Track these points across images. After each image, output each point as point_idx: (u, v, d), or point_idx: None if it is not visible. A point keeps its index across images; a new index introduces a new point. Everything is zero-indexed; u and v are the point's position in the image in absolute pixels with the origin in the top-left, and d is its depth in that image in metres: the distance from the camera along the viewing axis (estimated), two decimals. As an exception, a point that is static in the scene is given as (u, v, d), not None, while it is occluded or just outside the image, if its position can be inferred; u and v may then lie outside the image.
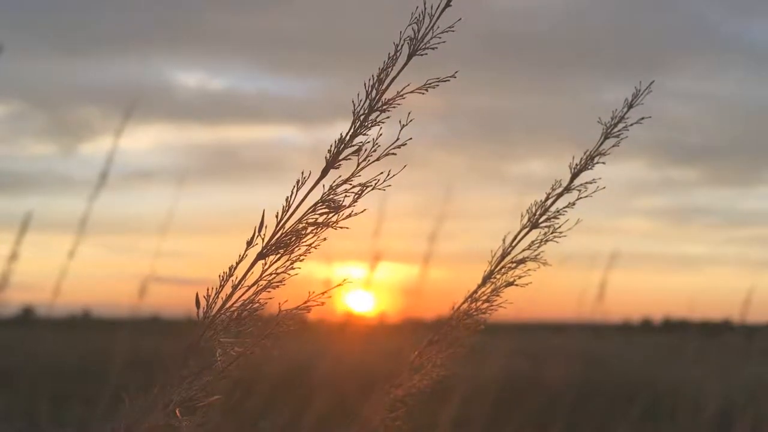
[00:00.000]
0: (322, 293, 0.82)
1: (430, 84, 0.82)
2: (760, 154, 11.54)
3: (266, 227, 0.82)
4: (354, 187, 0.83)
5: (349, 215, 0.83)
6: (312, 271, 0.84)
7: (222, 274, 0.82)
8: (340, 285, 0.83)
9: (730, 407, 5.03)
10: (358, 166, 0.82)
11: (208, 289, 0.82)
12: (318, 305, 0.82)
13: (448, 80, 0.81)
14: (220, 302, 0.83)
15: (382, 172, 0.82)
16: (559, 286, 5.68)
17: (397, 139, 0.81)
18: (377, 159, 0.82)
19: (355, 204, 0.83)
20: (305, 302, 0.83)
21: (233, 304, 0.83)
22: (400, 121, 0.81)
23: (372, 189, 0.83)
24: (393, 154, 0.81)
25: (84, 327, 13.12)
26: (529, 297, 4.91)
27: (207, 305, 0.83)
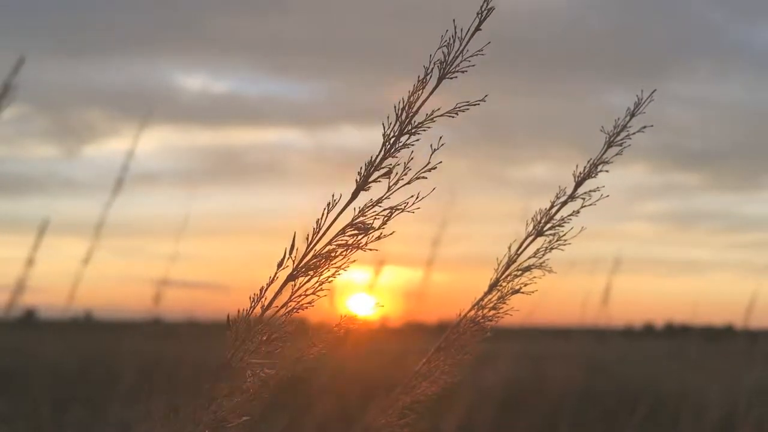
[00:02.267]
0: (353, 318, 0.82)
1: (459, 108, 0.82)
2: (764, 159, 11.53)
3: (297, 249, 0.82)
4: (384, 210, 0.83)
5: (379, 237, 0.84)
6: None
7: (252, 295, 0.82)
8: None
9: (732, 412, 5.03)
10: (388, 189, 0.82)
11: (238, 311, 0.83)
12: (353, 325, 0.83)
13: (478, 104, 0.82)
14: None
15: (412, 196, 0.82)
16: (562, 292, 5.67)
17: (428, 162, 0.82)
18: (408, 182, 0.82)
19: (384, 226, 0.84)
20: (338, 323, 0.83)
21: (263, 326, 0.83)
22: (431, 146, 0.81)
23: (401, 212, 0.83)
24: (424, 177, 0.82)
25: (86, 329, 13.11)
26: (534, 302, 4.92)
27: (237, 327, 0.83)
